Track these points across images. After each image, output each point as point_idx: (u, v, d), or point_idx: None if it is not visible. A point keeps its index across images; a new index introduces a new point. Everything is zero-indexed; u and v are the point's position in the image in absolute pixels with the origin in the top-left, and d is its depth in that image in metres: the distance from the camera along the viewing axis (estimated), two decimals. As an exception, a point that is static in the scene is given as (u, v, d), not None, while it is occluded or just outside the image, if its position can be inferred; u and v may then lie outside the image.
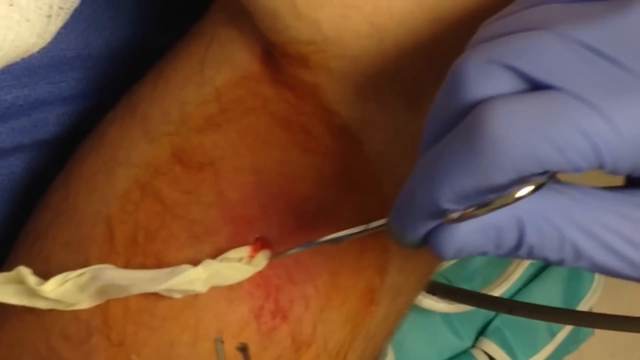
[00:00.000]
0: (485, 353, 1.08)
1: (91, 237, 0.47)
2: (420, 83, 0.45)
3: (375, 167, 0.46)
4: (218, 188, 0.45)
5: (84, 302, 0.45)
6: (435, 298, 1.00)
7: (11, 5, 0.44)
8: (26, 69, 0.52)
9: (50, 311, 0.46)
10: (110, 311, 0.45)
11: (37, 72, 0.53)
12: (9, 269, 0.50)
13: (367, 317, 0.48)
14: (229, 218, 0.45)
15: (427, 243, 0.37)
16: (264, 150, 0.46)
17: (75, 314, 0.46)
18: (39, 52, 0.47)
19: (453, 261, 1.04)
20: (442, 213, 0.35)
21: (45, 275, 0.47)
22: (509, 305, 0.97)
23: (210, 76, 0.47)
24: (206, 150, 0.46)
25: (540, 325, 1.09)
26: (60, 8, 0.46)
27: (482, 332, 1.09)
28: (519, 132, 0.31)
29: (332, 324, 0.47)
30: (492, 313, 1.08)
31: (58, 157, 0.52)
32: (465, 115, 0.33)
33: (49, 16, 0.46)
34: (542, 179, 0.33)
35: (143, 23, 0.57)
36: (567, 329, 1.12)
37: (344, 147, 0.46)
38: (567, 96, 0.32)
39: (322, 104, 0.46)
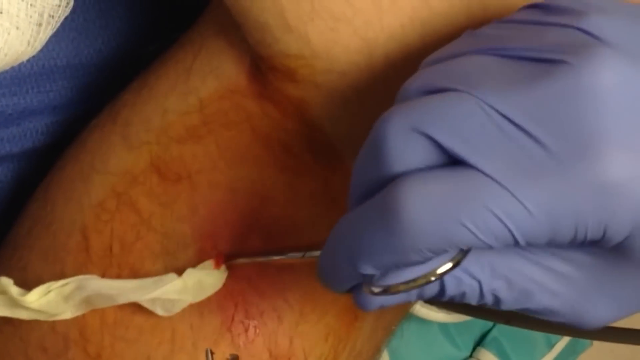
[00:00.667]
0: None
1: (67, 247, 0.47)
2: None
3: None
4: (192, 202, 0.45)
5: (67, 312, 0.45)
6: (432, 308, 1.00)
7: (1, 12, 0.44)
8: (16, 78, 0.52)
9: (28, 323, 0.47)
10: (87, 323, 0.45)
11: (27, 81, 0.53)
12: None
13: (351, 333, 0.48)
14: (197, 234, 0.45)
15: (352, 295, 0.37)
16: (242, 167, 0.46)
17: (53, 326, 0.46)
18: (28, 60, 0.47)
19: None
20: (364, 276, 0.35)
21: (23, 285, 0.47)
22: (507, 316, 0.97)
23: (196, 86, 0.47)
24: (185, 161, 0.46)
25: (539, 336, 1.08)
26: (51, 16, 0.46)
27: (479, 342, 1.09)
28: (432, 216, 0.31)
29: (310, 338, 0.47)
30: (489, 323, 1.07)
31: (47, 166, 0.52)
32: (384, 184, 0.33)
33: (40, 24, 0.46)
34: (459, 255, 0.34)
35: (134, 32, 0.57)
36: (565, 340, 1.12)
37: (324, 163, 0.46)
38: (480, 176, 0.31)
39: (307, 119, 0.46)
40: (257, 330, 0.45)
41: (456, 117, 0.32)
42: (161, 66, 0.49)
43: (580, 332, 0.94)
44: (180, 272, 0.44)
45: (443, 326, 1.05)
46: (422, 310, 1.00)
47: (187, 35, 0.50)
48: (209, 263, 0.44)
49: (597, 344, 1.20)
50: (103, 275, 0.45)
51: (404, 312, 0.53)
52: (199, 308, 0.44)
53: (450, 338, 1.05)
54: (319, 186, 0.46)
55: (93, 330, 0.45)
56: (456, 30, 0.44)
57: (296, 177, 0.45)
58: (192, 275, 0.44)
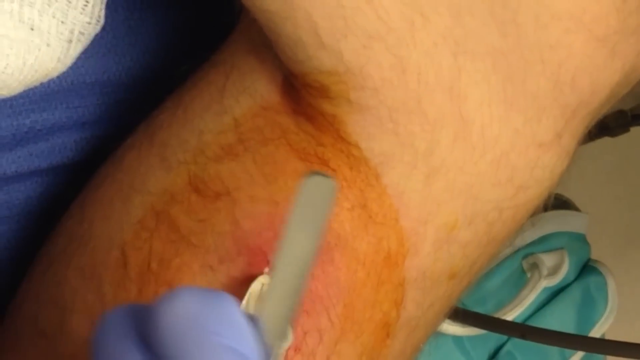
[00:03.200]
0: (497, 376, 1.08)
1: (105, 263, 0.47)
2: (440, 116, 0.45)
3: (392, 200, 0.46)
4: (233, 217, 0.45)
5: None
6: (448, 321, 1.00)
7: (32, 29, 0.44)
8: (45, 94, 0.53)
9: (62, 336, 0.47)
10: None
11: (56, 97, 0.53)
12: (23, 293, 0.51)
13: (382, 351, 0.48)
14: (243, 248, 0.45)
15: None
16: (281, 180, 0.46)
17: (87, 340, 0.45)
18: (58, 76, 0.48)
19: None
20: None
21: (59, 299, 0.47)
22: (522, 330, 0.97)
23: (230, 105, 0.47)
24: (223, 179, 0.46)
25: (553, 350, 1.08)
26: (81, 33, 0.46)
27: (494, 356, 1.09)
28: None
29: (346, 357, 0.47)
30: (504, 337, 1.07)
31: (75, 182, 0.53)
32: None
33: (70, 41, 0.46)
34: None
35: (163, 50, 0.57)
36: (578, 355, 1.12)
37: (362, 179, 0.46)
38: None
39: (341, 135, 0.46)
40: (298, 350, 0.45)
41: None
42: (194, 86, 0.50)
43: (594, 347, 0.94)
44: (225, 287, 0.44)
45: (457, 340, 1.05)
46: (436, 324, 1.01)
47: (218, 54, 0.50)
48: (265, 277, 0.44)
49: (610, 359, 1.20)
50: (140, 291, 0.45)
51: (433, 331, 0.53)
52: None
53: (464, 352, 1.05)
54: (357, 201, 0.46)
55: None
56: (488, 49, 0.44)
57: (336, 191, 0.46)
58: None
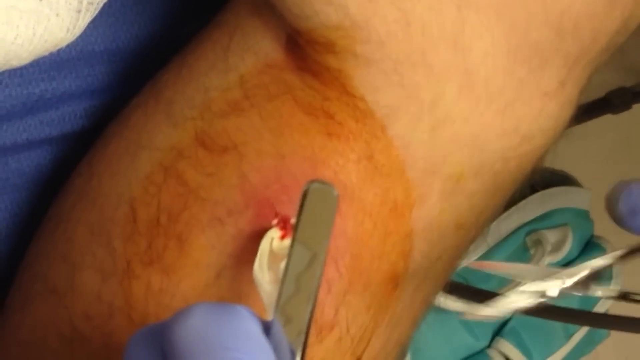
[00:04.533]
0: (502, 353, 1.08)
1: (114, 219, 0.48)
2: (445, 68, 0.46)
3: (398, 152, 0.47)
4: (241, 171, 0.46)
5: None
6: (452, 297, 1.00)
7: (41, 0, 0.45)
8: (54, 62, 0.53)
9: (73, 292, 0.48)
10: (132, 291, 0.46)
11: (66, 66, 0.54)
12: (33, 253, 0.52)
13: (391, 302, 0.49)
14: (251, 200, 0.46)
15: None
16: (287, 134, 0.46)
17: (98, 294, 0.47)
18: (67, 45, 0.48)
19: (471, 260, 1.05)
20: None
21: (69, 254, 0.48)
22: (526, 306, 0.98)
23: (235, 63, 0.48)
24: (229, 134, 0.47)
25: (557, 326, 1.09)
26: (90, 3, 0.47)
27: (498, 332, 1.09)
28: None
29: (355, 307, 0.47)
30: (508, 313, 1.08)
31: (86, 150, 0.53)
32: None
33: (79, 11, 0.47)
34: None
35: (169, 16, 0.58)
36: (583, 331, 1.12)
37: (368, 131, 0.47)
38: None
39: (347, 89, 0.47)
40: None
41: None
42: (198, 47, 0.51)
43: (597, 322, 0.95)
44: (234, 239, 0.45)
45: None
46: (441, 299, 1.01)
47: (221, 15, 0.51)
48: (275, 231, 0.45)
49: (614, 334, 1.21)
50: (149, 245, 0.46)
51: (442, 283, 0.53)
52: (249, 277, 0.45)
53: (469, 328, 1.05)
54: (364, 153, 0.46)
55: (138, 298, 0.46)
56: (491, 1, 0.45)
57: (342, 143, 0.46)
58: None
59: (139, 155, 0.48)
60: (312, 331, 0.46)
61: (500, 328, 1.09)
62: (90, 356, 0.47)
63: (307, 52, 0.47)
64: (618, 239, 1.17)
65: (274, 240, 0.45)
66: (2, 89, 0.52)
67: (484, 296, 1.02)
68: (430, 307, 0.54)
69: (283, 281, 0.39)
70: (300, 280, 0.39)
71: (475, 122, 0.47)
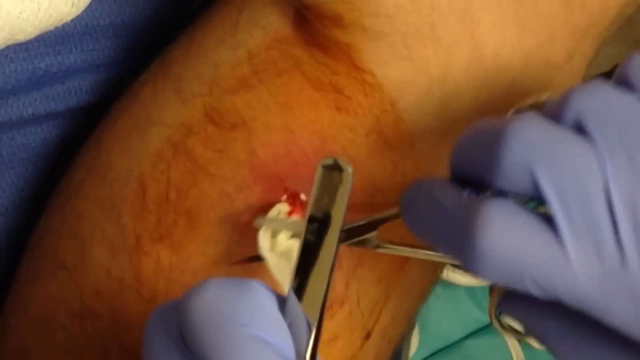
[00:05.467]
0: (510, 326, 1.08)
1: (124, 195, 0.47)
2: (454, 41, 0.46)
3: (408, 126, 0.47)
4: (249, 147, 0.46)
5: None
6: (459, 272, 1.00)
7: (46, -27, 0.45)
8: (59, 37, 0.53)
9: (83, 268, 0.48)
10: (142, 267, 0.46)
11: (71, 40, 0.53)
12: (42, 228, 0.51)
13: (400, 276, 0.49)
14: (260, 176, 0.46)
15: None
16: (296, 109, 0.46)
17: (108, 270, 0.47)
18: (72, 19, 0.48)
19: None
20: None
21: (79, 231, 0.48)
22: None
23: (243, 39, 0.48)
24: (238, 110, 0.47)
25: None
26: (95, -23, 0.47)
27: (506, 306, 1.09)
28: (504, 257, 0.34)
29: (365, 282, 0.47)
30: (516, 287, 1.08)
31: (91, 124, 0.53)
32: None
33: (84, -15, 0.47)
34: None
35: None
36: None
37: (377, 105, 0.46)
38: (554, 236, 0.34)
39: (356, 63, 0.46)
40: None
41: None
42: (207, 23, 0.50)
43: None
44: (243, 214, 0.45)
45: (470, 290, 1.06)
46: (449, 274, 1.01)
47: None
48: (283, 205, 0.45)
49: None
50: (159, 221, 0.46)
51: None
52: (258, 253, 0.45)
53: (477, 302, 1.05)
54: (373, 127, 0.46)
55: (148, 274, 0.46)
56: None
57: (351, 117, 0.46)
58: None
59: (148, 132, 0.48)
60: (323, 307, 0.47)
61: (509, 301, 1.09)
62: (100, 332, 0.47)
63: (315, 27, 0.47)
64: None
65: (280, 214, 0.45)
66: (8, 63, 0.52)
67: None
68: (437, 279, 0.53)
69: (298, 256, 0.38)
70: (315, 255, 0.39)
71: (483, 95, 0.47)
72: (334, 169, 0.40)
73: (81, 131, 0.54)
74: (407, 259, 0.48)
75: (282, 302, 0.36)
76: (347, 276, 0.47)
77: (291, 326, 0.35)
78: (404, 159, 0.47)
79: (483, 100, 0.47)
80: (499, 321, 0.49)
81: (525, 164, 0.35)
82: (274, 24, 0.48)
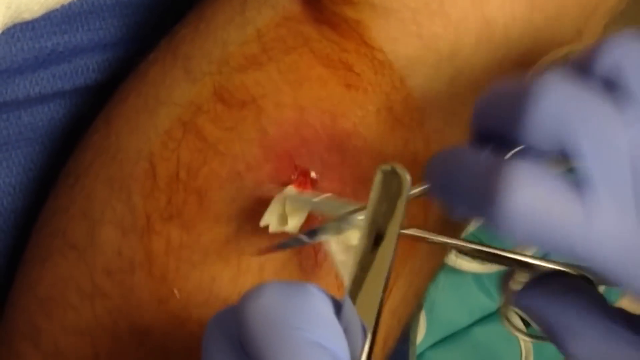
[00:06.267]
0: (517, 313, 1.08)
1: (133, 175, 0.47)
2: (463, 17, 0.45)
3: (418, 103, 0.46)
4: (260, 125, 0.46)
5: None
6: (467, 258, 1.00)
7: (52, -49, 0.45)
8: (66, 16, 0.53)
9: (93, 248, 0.47)
10: (152, 247, 0.46)
11: (77, 19, 0.53)
12: (51, 209, 0.51)
13: (411, 253, 0.49)
14: (270, 154, 0.45)
15: None
16: (306, 87, 0.46)
17: (118, 250, 0.47)
18: (78, -1, 0.48)
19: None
20: None
21: (88, 211, 0.48)
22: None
23: (252, 17, 0.48)
24: (248, 88, 0.46)
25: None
26: (102, -45, 0.47)
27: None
28: (531, 217, 0.35)
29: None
30: (523, 273, 1.08)
31: (98, 103, 0.53)
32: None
33: (90, -37, 0.46)
34: None
35: None
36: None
37: (387, 82, 0.46)
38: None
39: (365, 40, 0.46)
40: (327, 254, 0.46)
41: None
42: (215, 1, 0.50)
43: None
44: (253, 193, 0.45)
45: (477, 277, 1.05)
46: (456, 261, 1.01)
47: None
48: (290, 188, 0.45)
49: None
50: (169, 200, 0.46)
51: (463, 229, 0.53)
52: (268, 232, 0.45)
53: (484, 289, 1.05)
54: (383, 105, 0.46)
55: (158, 253, 0.46)
56: None
57: (361, 94, 0.46)
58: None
59: (157, 111, 0.48)
60: (334, 285, 0.46)
61: (516, 288, 1.09)
62: (111, 312, 0.47)
63: (324, 4, 0.46)
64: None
65: (287, 199, 0.45)
66: (14, 42, 0.52)
67: (498, 256, 1.02)
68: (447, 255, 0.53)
69: (354, 261, 0.38)
70: (371, 260, 0.39)
71: (493, 71, 0.47)
72: (392, 175, 0.40)
73: (89, 111, 0.54)
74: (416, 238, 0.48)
75: (337, 306, 0.35)
76: None
77: (347, 331, 0.35)
78: (414, 136, 0.47)
79: (492, 76, 0.47)
80: (509, 321, 0.49)
81: (555, 120, 0.34)
82: (282, 2, 0.48)
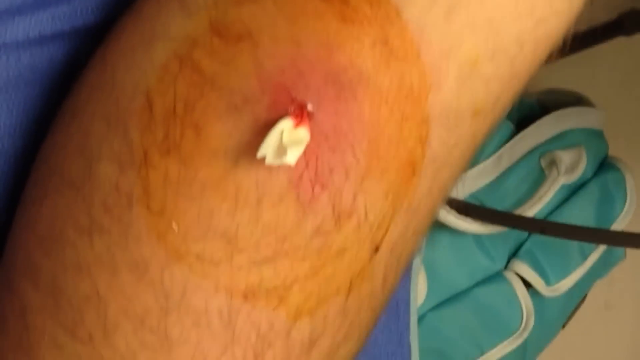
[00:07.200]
0: (517, 275, 1.09)
1: (130, 110, 0.47)
2: None
3: (413, 36, 0.46)
4: (256, 58, 0.46)
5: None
6: (467, 219, 1.00)
7: None
8: (65, -43, 0.53)
9: (90, 184, 0.48)
10: (150, 181, 0.46)
11: (76, -41, 0.53)
12: (49, 147, 0.51)
13: (409, 189, 0.49)
14: (267, 87, 0.45)
15: None
16: (302, 20, 0.46)
17: (116, 185, 0.47)
18: (76, -61, 0.48)
19: (485, 183, 1.05)
20: None
21: (85, 148, 0.48)
22: (541, 226, 0.98)
23: None
24: (244, 22, 0.46)
25: (573, 247, 1.09)
26: None
27: (514, 254, 1.10)
28: None
29: (373, 194, 0.47)
30: (524, 235, 1.08)
31: (98, 44, 0.53)
32: None
33: None
34: None
35: None
36: (599, 252, 1.13)
37: (382, 15, 0.46)
38: None
39: None
40: (324, 187, 0.46)
41: None
42: None
43: (613, 240, 0.95)
44: (251, 127, 0.45)
45: (477, 238, 1.06)
46: (456, 221, 1.01)
47: None
48: (288, 121, 0.45)
49: (629, 257, 1.21)
50: (166, 134, 0.46)
51: (459, 173, 0.53)
52: (265, 166, 0.45)
53: (484, 250, 1.05)
54: (379, 37, 0.46)
55: (156, 187, 0.46)
56: None
57: (357, 28, 0.46)
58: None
59: (153, 46, 0.48)
60: (330, 218, 0.47)
61: (516, 250, 1.09)
62: (109, 247, 0.47)
63: None
64: (632, 159, 1.18)
65: (283, 132, 0.45)
66: (13, -17, 0.52)
67: (499, 217, 1.02)
68: (446, 198, 0.53)
69: None
70: None
71: (490, 4, 0.47)
72: None
73: (88, 52, 0.54)
74: (413, 172, 0.48)
75: None
76: (355, 187, 0.47)
77: None
78: (410, 70, 0.47)
79: (489, 10, 0.47)
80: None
81: None
82: None
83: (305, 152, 0.46)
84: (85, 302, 0.48)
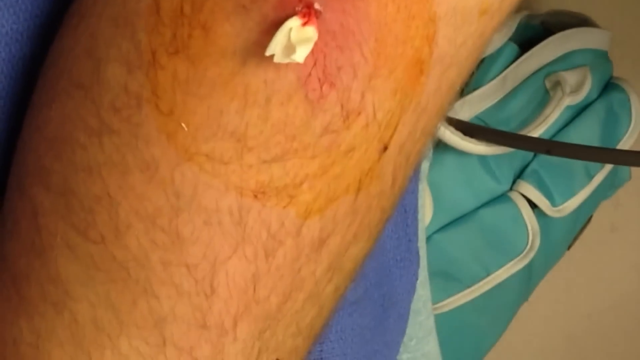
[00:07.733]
0: (523, 196, 1.09)
1: (137, 11, 0.47)
2: None
3: None
4: None
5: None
6: (472, 140, 1.00)
7: None
8: None
9: (99, 85, 0.48)
10: (159, 81, 0.46)
11: None
12: (57, 50, 0.51)
13: (417, 88, 0.49)
14: None
15: None
16: None
17: (125, 86, 0.47)
18: None
19: (490, 104, 1.05)
20: None
21: (92, 50, 0.48)
22: (547, 146, 0.98)
23: None
24: None
25: (578, 167, 1.09)
26: None
27: (519, 175, 1.10)
28: None
29: (381, 92, 0.47)
30: (529, 155, 1.08)
31: None
32: None
33: None
34: None
35: None
36: (604, 172, 1.13)
37: None
38: None
39: None
40: (332, 85, 0.46)
41: None
42: None
43: (619, 158, 0.95)
44: (260, 26, 0.45)
45: (482, 159, 1.06)
46: (461, 142, 1.01)
47: None
48: (295, 20, 0.45)
49: (635, 179, 1.21)
50: (174, 35, 0.46)
51: (466, 72, 0.53)
52: (274, 64, 0.45)
53: (490, 171, 1.06)
54: None
55: (165, 87, 0.46)
56: None
57: None
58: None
59: None
60: (339, 116, 0.47)
61: (522, 170, 1.10)
62: (119, 148, 0.47)
63: None
64: (637, 80, 1.17)
65: (292, 30, 0.45)
66: None
67: (504, 137, 1.02)
68: (455, 98, 0.53)
69: None
70: None
71: None
72: None
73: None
74: (421, 71, 0.48)
75: None
76: (363, 86, 0.47)
77: None
78: None
79: None
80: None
81: None
82: None
83: (313, 51, 0.46)
84: (96, 203, 0.48)
